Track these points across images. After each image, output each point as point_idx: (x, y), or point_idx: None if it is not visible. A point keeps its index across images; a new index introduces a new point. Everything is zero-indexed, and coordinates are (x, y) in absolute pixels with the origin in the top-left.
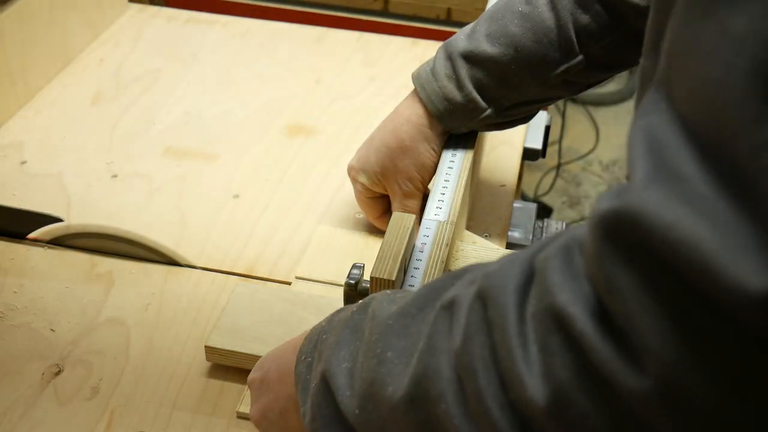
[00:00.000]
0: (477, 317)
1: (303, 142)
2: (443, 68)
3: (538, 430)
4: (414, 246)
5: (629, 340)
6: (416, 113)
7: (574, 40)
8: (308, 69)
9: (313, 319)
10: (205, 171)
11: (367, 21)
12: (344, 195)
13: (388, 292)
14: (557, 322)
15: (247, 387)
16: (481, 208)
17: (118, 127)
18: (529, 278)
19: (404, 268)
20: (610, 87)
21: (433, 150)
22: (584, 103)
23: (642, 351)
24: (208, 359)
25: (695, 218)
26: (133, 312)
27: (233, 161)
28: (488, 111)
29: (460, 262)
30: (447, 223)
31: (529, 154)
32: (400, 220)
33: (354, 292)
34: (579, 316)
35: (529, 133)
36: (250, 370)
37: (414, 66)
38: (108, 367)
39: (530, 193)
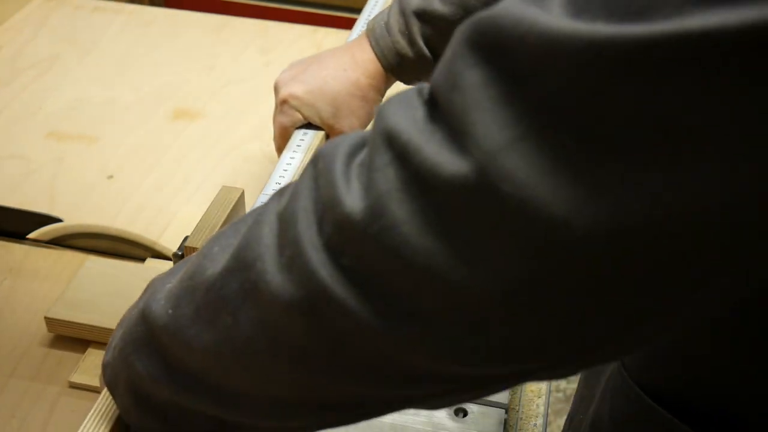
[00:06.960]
0: (306, 176)
1: (186, 126)
2: (397, 23)
3: (348, 261)
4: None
5: (458, 131)
6: (373, 66)
7: None
8: (205, 56)
9: None
10: (83, 153)
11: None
12: (217, 177)
13: None
14: (386, 140)
15: (83, 357)
16: None
17: (5, 111)
18: (365, 140)
19: None
20: None
21: (379, 102)
22: None
23: (468, 138)
24: (49, 330)
25: (542, 13)
26: None
27: (112, 144)
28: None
29: None
30: None
31: None
32: (227, 192)
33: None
34: (406, 129)
35: None
36: (91, 341)
37: (310, 53)
38: None
39: None
